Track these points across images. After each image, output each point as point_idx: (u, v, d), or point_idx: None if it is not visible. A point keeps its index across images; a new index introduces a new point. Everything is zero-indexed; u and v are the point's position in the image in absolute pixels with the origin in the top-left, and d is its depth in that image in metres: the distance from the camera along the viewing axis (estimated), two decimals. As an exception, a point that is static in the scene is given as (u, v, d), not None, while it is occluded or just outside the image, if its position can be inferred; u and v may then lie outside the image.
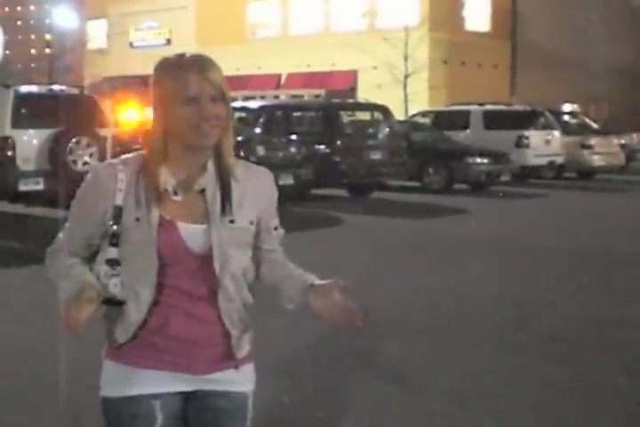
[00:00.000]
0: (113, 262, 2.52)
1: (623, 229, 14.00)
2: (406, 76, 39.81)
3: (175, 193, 2.51)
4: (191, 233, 2.50)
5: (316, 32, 46.69)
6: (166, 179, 2.51)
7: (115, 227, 2.51)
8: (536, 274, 9.93)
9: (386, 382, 5.89)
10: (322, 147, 17.96)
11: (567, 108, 41.96)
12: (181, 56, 2.54)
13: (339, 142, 18.10)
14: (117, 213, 2.50)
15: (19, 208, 14.42)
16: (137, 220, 2.48)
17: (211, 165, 2.55)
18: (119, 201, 2.50)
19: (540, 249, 11.69)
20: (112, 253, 2.52)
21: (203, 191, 2.53)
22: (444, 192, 19.98)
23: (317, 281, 2.58)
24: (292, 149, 16.94)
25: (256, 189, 2.62)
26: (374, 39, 40.68)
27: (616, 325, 7.57)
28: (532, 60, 48.43)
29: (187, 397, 2.61)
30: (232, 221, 2.53)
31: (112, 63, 53.48)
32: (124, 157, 2.60)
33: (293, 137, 17.77)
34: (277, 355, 6.09)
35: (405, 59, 39.43)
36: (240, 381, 2.64)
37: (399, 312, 7.90)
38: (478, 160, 20.79)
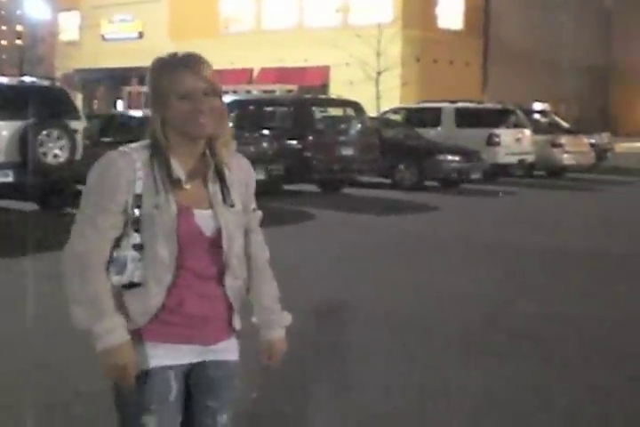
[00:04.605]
0: (138, 247, 2.70)
1: (592, 227, 14.10)
2: (378, 73, 39.85)
3: (186, 181, 2.72)
4: (202, 218, 2.74)
5: (289, 27, 46.65)
6: (177, 168, 2.71)
7: (137, 213, 2.68)
8: (504, 272, 9.97)
9: (354, 379, 5.90)
10: (293, 142, 17.96)
11: (538, 106, 42.21)
12: (174, 55, 2.74)
13: (310, 138, 18.10)
14: (138, 201, 2.68)
15: (-13, 200, 14.31)
16: (156, 207, 2.67)
17: (207, 154, 2.77)
18: (139, 189, 2.68)
19: (508, 247, 11.75)
20: (136, 238, 2.70)
21: (204, 179, 2.76)
22: (415, 189, 20.02)
23: (268, 333, 3.07)
24: (264, 144, 16.94)
25: (240, 176, 2.86)
26: (347, 36, 40.69)
27: (580, 321, 7.63)
28: (504, 58, 48.63)
29: (190, 367, 2.82)
30: (232, 206, 2.79)
31: (84, 56, 53.20)
32: (132, 145, 2.76)
33: (265, 132, 17.77)
34: (244, 351, 6.07)
35: (378, 55, 39.48)
36: (234, 350, 2.94)
37: (366, 309, 7.90)
38: (449, 158, 20.85)
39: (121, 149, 2.74)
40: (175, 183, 2.69)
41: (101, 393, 5.09)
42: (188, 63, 2.69)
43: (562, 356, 6.56)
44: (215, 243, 2.75)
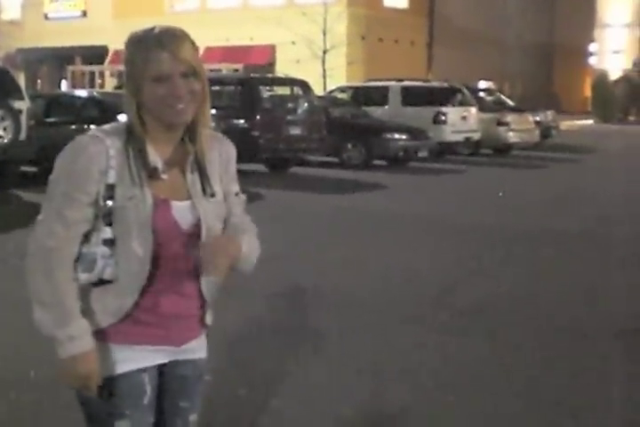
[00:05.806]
0: (109, 242, 2.46)
1: (540, 205, 14.22)
2: (325, 52, 39.77)
3: (163, 171, 2.48)
4: (180, 210, 2.50)
5: (234, 6, 46.36)
6: (154, 157, 2.47)
7: (108, 205, 2.43)
8: (452, 250, 10.01)
9: (308, 359, 5.89)
10: (241, 121, 17.86)
11: (483, 85, 42.47)
12: (150, 31, 2.45)
13: (258, 117, 18.01)
14: (110, 192, 2.43)
15: None
16: (130, 198, 2.43)
17: (186, 141, 2.55)
18: (112, 179, 2.42)
19: (459, 225, 11.80)
20: (108, 232, 2.46)
21: (182, 167, 2.53)
22: (363, 168, 20.06)
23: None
24: (211, 124, 16.80)
25: (220, 158, 2.64)
26: (293, 14, 40.56)
27: (532, 299, 7.69)
28: (449, 37, 48.79)
29: (160, 368, 2.65)
30: (213, 195, 2.55)
31: (27, 35, 52.40)
32: (106, 128, 2.50)
33: (212, 111, 17.57)
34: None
35: (324, 34, 39.38)
36: (202, 347, 2.74)
37: (317, 288, 7.90)
38: (396, 136, 20.90)
39: (92, 132, 2.47)
40: (152, 173, 2.44)
41: (49, 380, 5.06)
42: (163, 41, 2.39)
43: (512, 333, 6.60)
44: (193, 236, 2.50)
